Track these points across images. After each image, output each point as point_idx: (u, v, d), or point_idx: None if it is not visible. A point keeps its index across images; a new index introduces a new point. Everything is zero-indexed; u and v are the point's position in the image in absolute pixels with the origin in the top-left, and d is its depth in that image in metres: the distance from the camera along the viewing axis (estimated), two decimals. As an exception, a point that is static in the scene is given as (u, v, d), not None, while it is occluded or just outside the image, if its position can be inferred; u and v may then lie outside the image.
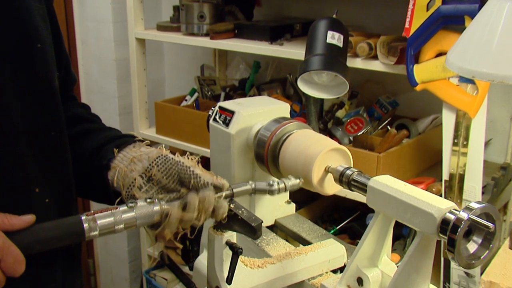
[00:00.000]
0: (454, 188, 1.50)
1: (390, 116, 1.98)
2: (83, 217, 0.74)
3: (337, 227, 1.93)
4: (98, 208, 0.79)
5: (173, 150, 0.90)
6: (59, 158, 0.91)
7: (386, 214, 0.82)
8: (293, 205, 1.18)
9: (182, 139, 2.19)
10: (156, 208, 0.79)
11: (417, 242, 0.76)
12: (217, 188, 0.83)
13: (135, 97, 2.31)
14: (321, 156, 0.92)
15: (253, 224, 0.79)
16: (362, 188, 0.86)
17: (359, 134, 1.84)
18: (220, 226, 0.84)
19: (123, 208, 0.77)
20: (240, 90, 2.43)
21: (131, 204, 0.77)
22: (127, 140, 0.95)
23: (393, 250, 1.77)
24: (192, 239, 1.65)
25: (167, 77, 2.94)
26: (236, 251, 0.83)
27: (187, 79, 2.76)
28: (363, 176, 0.87)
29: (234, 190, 0.84)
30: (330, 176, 0.94)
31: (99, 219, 0.74)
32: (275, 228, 1.15)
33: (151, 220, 0.78)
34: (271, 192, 0.86)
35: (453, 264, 1.53)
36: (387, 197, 0.79)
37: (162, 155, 0.85)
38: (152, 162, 0.84)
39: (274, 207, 1.15)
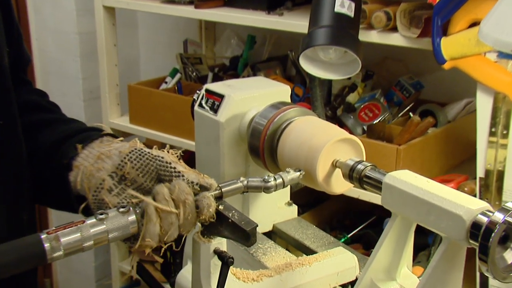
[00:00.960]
0: (491, 187, 1.52)
1: (413, 101, 2.00)
2: (43, 236, 0.74)
3: (349, 235, 1.95)
4: (57, 214, 0.80)
5: (150, 144, 0.91)
6: (10, 154, 0.91)
7: (405, 217, 0.84)
8: (294, 207, 1.20)
9: (162, 130, 2.20)
10: (132, 218, 0.80)
11: (443, 249, 0.78)
12: (204, 189, 0.84)
13: (104, 78, 2.32)
14: (327, 147, 0.94)
15: (246, 229, 0.80)
16: (376, 185, 0.87)
17: (374, 122, 1.85)
18: (207, 231, 0.85)
19: (91, 221, 0.78)
20: (232, 70, 2.44)
21: (101, 216, 0.78)
22: (93, 134, 0.95)
23: (417, 262, 1.79)
24: (173, 250, 1.65)
25: (143, 55, 2.94)
26: (226, 261, 0.84)
27: (167, 57, 2.77)
28: (378, 171, 0.89)
29: (223, 189, 0.85)
30: (338, 171, 0.95)
31: (63, 236, 0.75)
32: (274, 234, 1.17)
33: (126, 232, 0.80)
34: (266, 189, 0.87)
35: (492, 280, 1.55)
36: (406, 196, 0.80)
37: (136, 149, 0.86)
38: (125, 158, 0.85)
39: (272, 210, 1.17)
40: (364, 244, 1.94)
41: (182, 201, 0.81)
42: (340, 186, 0.97)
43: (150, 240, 0.80)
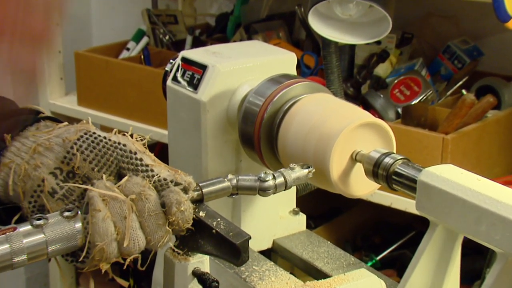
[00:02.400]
0: None
1: (468, 74, 2.01)
2: None
3: (379, 257, 1.98)
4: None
5: (105, 132, 0.92)
6: None
7: (447, 227, 0.87)
8: (302, 217, 1.23)
9: (122, 114, 2.21)
10: (79, 225, 0.82)
11: (498, 270, 0.80)
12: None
13: None
14: (344, 134, 0.96)
15: (235, 242, 0.83)
16: (409, 185, 0.90)
17: (413, 103, 1.88)
18: (184, 246, 0.88)
19: (25, 228, 0.79)
20: (219, 32, 2.46)
21: (38, 222, 0.79)
22: (26, 118, 0.96)
23: (471, 293, 1.81)
24: (139, 274, 1.67)
25: (95, 11, 2.95)
26: (209, 286, 0.87)
27: (130, 15, 2.77)
28: (412, 166, 0.92)
29: (204, 190, 0.88)
30: (359, 167, 0.98)
31: None
32: (274, 253, 1.20)
33: (71, 244, 0.82)
34: (262, 191, 0.90)
35: None
36: (449, 198, 0.84)
37: (87, 133, 0.88)
38: (72, 147, 0.87)
39: (273, 220, 1.20)
40: (400, 269, 1.96)
41: (136, 193, 0.84)
42: (362, 186, 1.00)
43: (100, 243, 0.81)
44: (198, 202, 0.88)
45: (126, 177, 0.85)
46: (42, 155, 0.88)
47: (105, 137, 0.88)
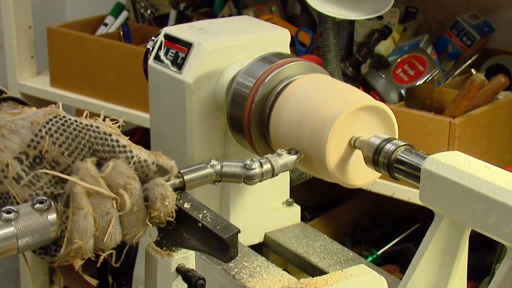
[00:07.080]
0: None
1: (478, 52, 2.02)
2: None
3: (380, 252, 1.99)
4: None
5: (80, 115, 0.93)
6: None
7: (454, 219, 0.88)
8: (297, 208, 1.24)
9: (99, 96, 2.21)
10: (52, 217, 0.83)
11: (509, 265, 0.81)
12: (162, 172, 0.88)
13: (8, 18, 2.31)
14: (342, 119, 0.97)
15: (223, 236, 0.83)
16: (412, 173, 0.91)
17: (417, 83, 1.88)
18: (167, 241, 0.88)
19: None
20: (205, 6, 2.45)
21: (7, 215, 0.80)
22: None
23: (479, 291, 1.82)
24: (119, 271, 1.67)
25: (70, -18, 2.94)
26: (194, 284, 0.87)
27: (107, -14, 2.77)
28: (415, 153, 0.93)
29: (185, 177, 0.89)
30: (358, 154, 0.99)
31: None
32: (266, 247, 1.21)
33: (44, 238, 0.82)
34: (248, 179, 0.91)
35: None
36: (455, 188, 0.84)
37: (57, 116, 0.89)
38: (41, 130, 0.87)
39: (264, 212, 1.21)
40: (403, 265, 1.97)
41: (121, 186, 0.84)
42: (361, 175, 1.01)
43: (79, 241, 0.82)
44: (180, 190, 0.89)
45: (111, 164, 0.86)
46: (7, 138, 0.88)
47: (76, 120, 0.89)
